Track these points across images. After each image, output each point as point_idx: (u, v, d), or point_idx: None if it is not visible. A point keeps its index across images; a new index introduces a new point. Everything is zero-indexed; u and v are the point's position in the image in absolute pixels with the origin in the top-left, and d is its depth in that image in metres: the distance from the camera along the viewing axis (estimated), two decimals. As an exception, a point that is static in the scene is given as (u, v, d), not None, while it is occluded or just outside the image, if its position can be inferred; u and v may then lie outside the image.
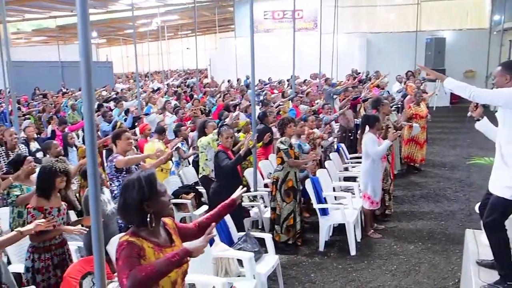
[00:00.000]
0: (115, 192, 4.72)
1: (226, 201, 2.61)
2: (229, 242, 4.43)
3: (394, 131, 5.97)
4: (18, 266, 3.89)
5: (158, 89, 16.57)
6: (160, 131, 7.08)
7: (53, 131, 8.27)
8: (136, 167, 4.97)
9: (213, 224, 2.17)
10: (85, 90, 2.22)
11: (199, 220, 2.56)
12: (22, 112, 11.36)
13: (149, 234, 2.22)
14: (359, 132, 8.32)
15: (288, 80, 16.67)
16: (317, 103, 10.21)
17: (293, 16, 12.13)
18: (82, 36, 2.18)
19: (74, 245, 4.20)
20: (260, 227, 6.00)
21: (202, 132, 6.63)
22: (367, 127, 5.71)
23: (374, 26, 20.36)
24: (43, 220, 3.37)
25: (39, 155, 7.11)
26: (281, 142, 5.47)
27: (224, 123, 6.76)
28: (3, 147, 6.35)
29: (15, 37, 28.74)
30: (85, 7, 2.16)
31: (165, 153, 5.25)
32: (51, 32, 26.72)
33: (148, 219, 2.21)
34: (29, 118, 10.43)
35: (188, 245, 2.09)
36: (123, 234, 2.29)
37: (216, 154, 5.38)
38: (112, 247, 3.62)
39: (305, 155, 6.09)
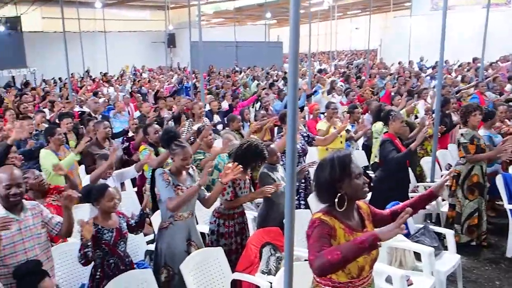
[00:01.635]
0: None
1: (425, 192, 2.43)
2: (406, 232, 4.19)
3: None
4: (203, 227, 4.31)
5: (324, 69, 16.59)
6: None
7: (230, 105, 8.93)
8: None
9: (409, 209, 2.00)
10: (291, 71, 2.25)
11: (393, 208, 2.46)
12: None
13: (342, 215, 2.21)
14: None
15: (468, 63, 15.04)
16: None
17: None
18: (293, 21, 2.20)
19: (250, 215, 4.47)
20: (433, 220, 5.58)
21: (378, 117, 6.30)
22: None
23: None
24: None
25: (219, 127, 7.77)
26: (462, 135, 4.89)
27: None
28: (191, 120, 6.90)
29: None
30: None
31: None
32: (229, 14, 28.83)
33: (336, 200, 2.18)
34: (210, 93, 11.46)
35: (378, 230, 1.99)
36: (317, 211, 2.31)
37: (382, 143, 4.95)
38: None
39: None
